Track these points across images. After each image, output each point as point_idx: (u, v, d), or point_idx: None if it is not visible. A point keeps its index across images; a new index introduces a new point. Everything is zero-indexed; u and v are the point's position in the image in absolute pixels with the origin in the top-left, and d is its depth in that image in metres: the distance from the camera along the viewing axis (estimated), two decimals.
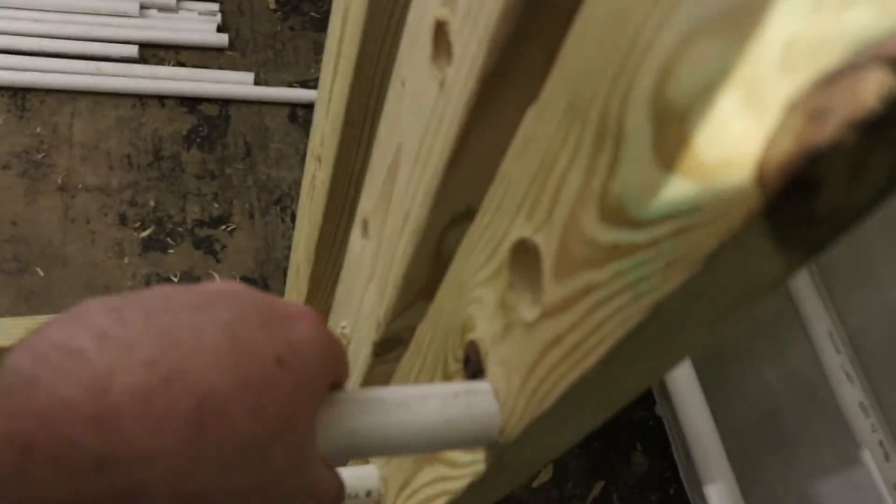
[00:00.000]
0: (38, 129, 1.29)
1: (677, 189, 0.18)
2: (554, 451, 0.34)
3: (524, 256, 0.28)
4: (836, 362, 0.88)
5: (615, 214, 0.21)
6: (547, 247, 0.25)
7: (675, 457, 1.24)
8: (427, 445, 0.29)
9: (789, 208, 0.16)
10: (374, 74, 0.52)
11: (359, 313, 0.53)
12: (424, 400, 0.29)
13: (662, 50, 0.19)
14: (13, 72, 1.35)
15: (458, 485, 0.39)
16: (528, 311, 0.28)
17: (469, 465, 0.37)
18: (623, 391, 0.27)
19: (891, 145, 0.14)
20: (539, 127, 0.26)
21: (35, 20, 1.43)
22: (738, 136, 0.16)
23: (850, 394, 0.87)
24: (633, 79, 0.20)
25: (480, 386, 0.31)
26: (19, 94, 1.32)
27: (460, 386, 0.31)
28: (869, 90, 0.13)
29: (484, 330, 0.32)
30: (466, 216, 0.36)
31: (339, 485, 0.29)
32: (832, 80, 0.14)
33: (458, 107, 0.31)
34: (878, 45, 0.13)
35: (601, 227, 0.22)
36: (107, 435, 0.20)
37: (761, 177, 0.16)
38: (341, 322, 0.60)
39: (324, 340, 0.27)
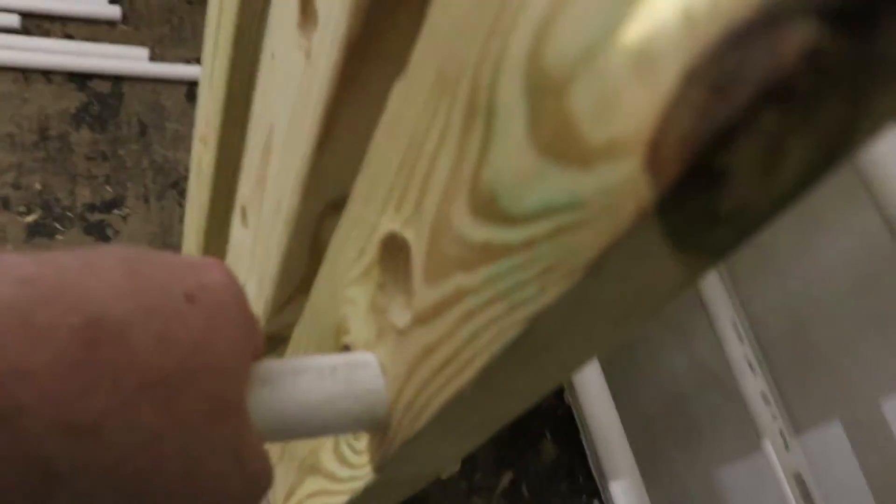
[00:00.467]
0: None
1: (554, 178, 0.15)
2: (435, 468, 0.30)
3: (395, 253, 0.24)
4: (739, 352, 0.88)
5: (487, 207, 0.18)
6: (417, 243, 0.22)
7: (584, 445, 1.23)
8: (300, 429, 0.25)
9: (688, 203, 0.13)
10: (251, 48, 0.48)
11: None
12: (295, 376, 0.25)
13: (539, 5, 0.15)
14: None
15: (338, 500, 0.35)
16: (400, 316, 0.24)
17: (348, 480, 0.34)
18: (504, 410, 0.23)
19: (816, 122, 0.10)
20: (406, 104, 0.22)
21: None
22: (626, 111, 0.13)
23: (753, 383, 0.87)
24: (505, 42, 0.17)
25: (363, 358, 0.27)
26: None
27: (340, 358, 0.26)
28: (790, 49, 0.10)
29: (357, 334, 0.28)
30: (342, 205, 0.32)
31: (272, 471, 0.24)
32: (744, 37, 0.11)
33: (324, 81, 0.27)
34: None
35: (472, 223, 0.18)
36: None
37: (654, 163, 0.12)
38: None
39: (239, 291, 0.23)
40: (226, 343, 0.21)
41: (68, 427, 0.18)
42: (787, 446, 0.86)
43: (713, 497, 1.05)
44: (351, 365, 0.26)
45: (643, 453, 0.99)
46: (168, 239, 1.17)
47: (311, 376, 0.25)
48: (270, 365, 0.25)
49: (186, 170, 1.22)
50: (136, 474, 0.19)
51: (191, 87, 1.33)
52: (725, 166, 0.12)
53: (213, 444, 0.21)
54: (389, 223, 0.23)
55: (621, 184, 0.13)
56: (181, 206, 1.20)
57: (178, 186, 1.22)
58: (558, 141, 0.15)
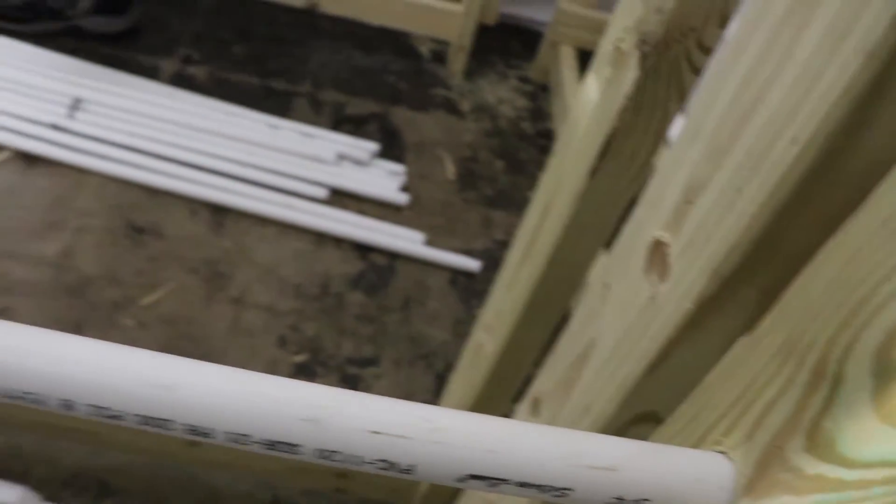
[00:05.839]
0: (228, 245, 1.42)
1: (893, 441, 0.21)
2: None
3: None
4: None
5: (824, 449, 0.24)
6: (744, 465, 0.28)
7: None
8: None
9: None
10: (567, 271, 0.57)
11: None
12: None
13: (893, 317, 0.22)
14: (218, 191, 1.51)
15: None
16: None
17: None
18: None
19: None
20: (751, 356, 0.29)
21: (245, 152, 1.60)
22: None
23: None
24: (858, 334, 0.23)
25: None
26: (220, 212, 1.47)
27: None
28: None
29: None
30: (649, 418, 0.39)
31: None
32: None
33: (668, 322, 0.35)
34: None
35: (806, 458, 0.25)
36: None
37: None
38: None
39: None
40: None
41: None
42: None
43: None
44: None
45: None
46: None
47: None
48: None
49: (438, 346, 1.35)
50: None
51: (454, 274, 1.47)
52: None
53: None
54: (714, 444, 0.30)
55: None
56: (426, 376, 1.31)
57: (428, 359, 1.34)
58: None
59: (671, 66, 0.46)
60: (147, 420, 0.29)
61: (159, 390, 0.28)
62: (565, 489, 0.29)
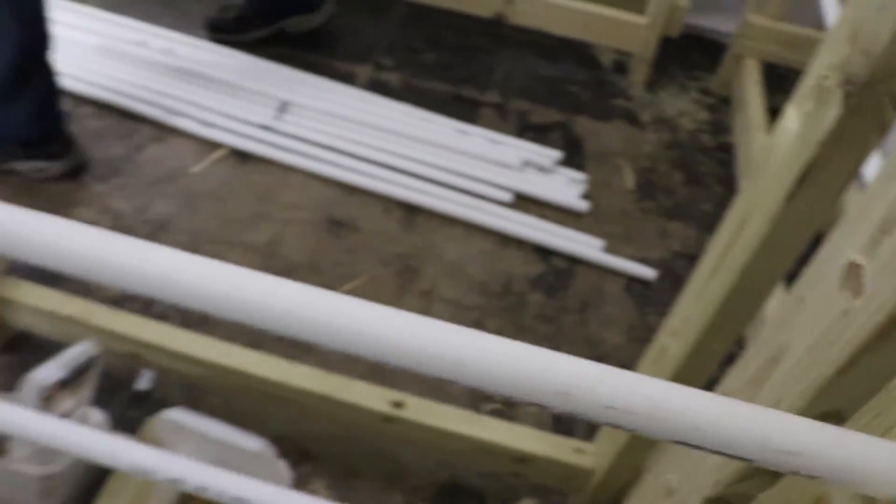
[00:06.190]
0: (418, 241, 1.54)
1: None
2: None
3: None
4: None
5: None
6: None
7: None
8: None
9: None
10: (756, 285, 0.63)
11: (695, 469, 0.61)
12: None
13: None
14: (409, 191, 1.63)
15: None
16: None
17: None
18: None
19: None
20: None
21: (435, 155, 1.72)
22: None
23: None
24: None
25: None
26: (412, 210, 1.59)
27: None
28: None
29: None
30: (834, 416, 0.45)
31: None
32: None
33: (860, 333, 0.40)
34: None
35: None
36: None
37: None
38: (667, 473, 0.68)
39: None
40: None
41: None
42: None
43: None
44: None
45: None
46: None
47: None
48: None
49: (611, 349, 1.41)
50: None
51: (629, 281, 1.53)
52: None
53: None
54: None
55: None
56: None
57: (602, 361, 1.39)
58: None
59: (874, 105, 0.51)
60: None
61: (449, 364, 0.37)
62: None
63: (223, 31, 2.01)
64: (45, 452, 0.98)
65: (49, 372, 0.96)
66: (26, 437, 0.77)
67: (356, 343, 0.37)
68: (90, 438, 0.76)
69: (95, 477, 1.06)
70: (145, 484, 1.02)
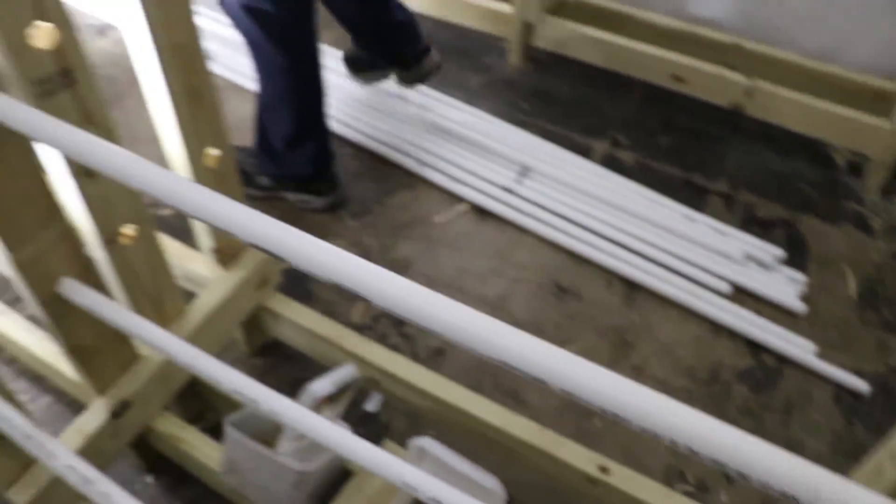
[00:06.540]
0: (636, 318, 1.64)
1: None
2: None
3: None
4: None
5: None
6: None
7: None
8: None
9: None
10: None
11: None
12: None
13: None
14: (632, 267, 1.74)
15: None
16: None
17: None
18: None
19: None
20: None
21: (659, 236, 1.81)
22: None
23: None
24: None
25: None
26: (633, 287, 1.70)
27: None
28: None
29: None
30: None
31: None
32: None
33: None
34: None
35: None
36: None
37: None
38: None
39: None
40: None
41: None
42: None
43: None
44: None
45: None
46: None
47: None
48: None
49: (813, 455, 1.44)
50: None
51: (839, 389, 1.54)
52: None
53: None
54: None
55: None
56: None
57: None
58: None
59: None
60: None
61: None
62: None
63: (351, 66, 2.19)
64: (304, 452, 1.17)
65: (323, 385, 1.15)
66: (305, 432, 0.92)
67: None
68: (356, 445, 0.91)
69: (335, 481, 1.24)
70: (377, 494, 1.18)
